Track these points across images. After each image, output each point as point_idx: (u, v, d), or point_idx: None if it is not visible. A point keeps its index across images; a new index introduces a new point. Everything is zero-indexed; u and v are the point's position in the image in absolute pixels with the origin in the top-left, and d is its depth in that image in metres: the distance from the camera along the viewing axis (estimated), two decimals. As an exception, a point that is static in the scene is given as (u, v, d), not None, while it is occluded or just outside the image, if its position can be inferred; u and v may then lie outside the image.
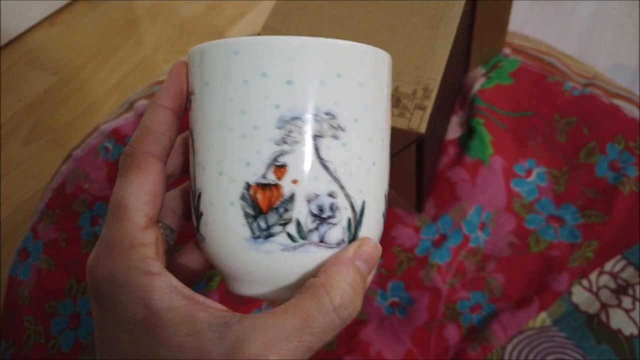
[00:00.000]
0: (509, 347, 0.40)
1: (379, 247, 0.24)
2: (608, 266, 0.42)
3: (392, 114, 0.35)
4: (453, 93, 0.48)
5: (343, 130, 0.23)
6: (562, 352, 0.39)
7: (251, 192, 0.22)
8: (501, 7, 0.47)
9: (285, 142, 0.22)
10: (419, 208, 0.45)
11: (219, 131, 0.23)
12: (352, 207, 0.23)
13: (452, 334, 0.41)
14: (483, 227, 0.44)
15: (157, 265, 0.22)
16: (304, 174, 0.22)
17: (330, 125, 0.22)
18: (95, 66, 1.13)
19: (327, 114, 0.22)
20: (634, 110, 0.47)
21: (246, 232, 0.22)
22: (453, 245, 0.44)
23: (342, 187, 0.23)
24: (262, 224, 0.22)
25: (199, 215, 0.24)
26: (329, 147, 0.22)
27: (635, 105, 0.48)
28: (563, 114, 0.48)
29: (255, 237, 0.22)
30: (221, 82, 0.23)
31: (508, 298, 0.42)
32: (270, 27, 0.40)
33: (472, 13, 0.45)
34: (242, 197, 0.22)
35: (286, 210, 0.22)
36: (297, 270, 0.23)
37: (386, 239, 0.44)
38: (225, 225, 0.23)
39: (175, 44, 1.16)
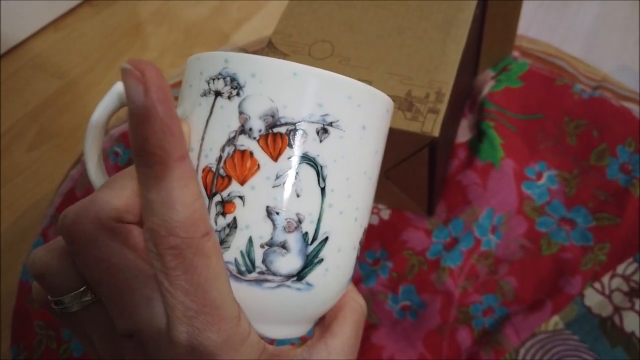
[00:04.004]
0: (522, 351, 0.40)
1: None
2: (620, 269, 0.42)
3: (405, 118, 0.35)
4: (463, 96, 0.48)
5: None
6: (576, 355, 0.39)
7: (364, 237, 0.24)
8: (511, 9, 0.47)
9: None
10: (430, 211, 0.44)
11: (364, 179, 0.23)
12: None
13: (465, 337, 0.41)
14: (494, 230, 0.44)
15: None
16: None
17: None
18: (101, 70, 1.13)
19: None
20: (644, 113, 0.47)
21: (351, 273, 0.24)
22: (465, 249, 0.43)
23: None
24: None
25: (316, 262, 0.22)
26: None
27: (645, 108, 0.48)
28: (573, 116, 0.48)
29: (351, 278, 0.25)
30: (377, 134, 0.24)
31: (520, 301, 0.42)
32: (282, 32, 0.41)
33: (482, 16, 0.45)
34: (360, 242, 0.24)
35: None
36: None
37: (397, 242, 0.44)
38: (346, 270, 0.23)
39: (181, 48, 1.16)
